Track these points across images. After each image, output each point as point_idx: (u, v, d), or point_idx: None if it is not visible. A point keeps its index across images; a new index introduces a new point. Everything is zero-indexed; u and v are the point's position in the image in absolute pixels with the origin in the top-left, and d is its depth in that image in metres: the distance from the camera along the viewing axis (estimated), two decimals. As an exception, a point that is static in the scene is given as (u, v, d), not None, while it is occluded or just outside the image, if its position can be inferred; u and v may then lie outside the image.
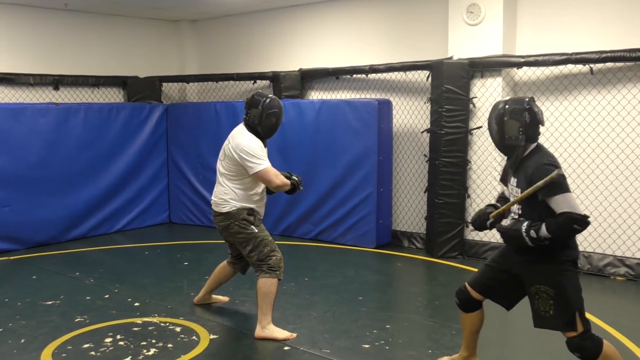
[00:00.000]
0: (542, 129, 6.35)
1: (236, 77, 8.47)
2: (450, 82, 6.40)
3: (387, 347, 4.08)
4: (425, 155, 6.88)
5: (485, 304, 3.56)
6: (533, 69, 6.17)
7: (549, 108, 6.15)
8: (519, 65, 6.12)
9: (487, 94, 6.36)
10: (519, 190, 3.22)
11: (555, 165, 3.13)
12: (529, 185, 3.12)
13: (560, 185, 3.05)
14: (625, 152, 5.76)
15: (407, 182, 7.27)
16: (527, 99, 3.25)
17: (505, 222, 3.24)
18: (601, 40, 5.78)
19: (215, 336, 4.30)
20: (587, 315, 4.62)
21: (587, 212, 5.95)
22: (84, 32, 8.35)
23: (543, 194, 3.07)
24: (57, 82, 8.01)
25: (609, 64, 5.74)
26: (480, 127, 6.41)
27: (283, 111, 4.48)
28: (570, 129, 6.04)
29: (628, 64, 5.65)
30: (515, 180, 3.29)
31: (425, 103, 6.93)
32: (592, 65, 5.80)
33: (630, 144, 5.73)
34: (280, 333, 4.28)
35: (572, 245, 3.20)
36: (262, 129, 4.37)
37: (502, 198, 3.57)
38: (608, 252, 5.88)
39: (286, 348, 4.08)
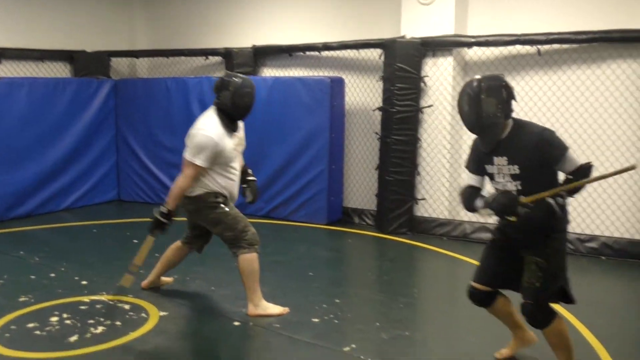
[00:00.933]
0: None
1: (188, 53, 8.33)
2: (402, 61, 6.45)
3: (336, 321, 4.14)
4: (376, 133, 6.95)
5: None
6: (483, 49, 6.27)
7: (497, 88, 6.28)
8: (470, 45, 6.22)
9: (439, 73, 6.45)
10: (517, 167, 3.11)
11: (548, 129, 3.18)
12: (534, 157, 3.06)
13: (562, 143, 3.09)
14: (569, 131, 5.94)
15: (358, 159, 7.33)
16: (501, 75, 3.20)
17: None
18: (549, 23, 5.92)
19: (164, 313, 4.28)
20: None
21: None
22: (28, 3, 8.02)
23: (555, 159, 3.07)
24: (-1, 55, 7.72)
25: (556, 46, 5.89)
26: (431, 105, 6.50)
27: (255, 90, 4.27)
28: (517, 109, 6.16)
29: (573, 45, 5.81)
30: (505, 158, 3.14)
31: (377, 81, 6.97)
32: (539, 47, 5.94)
33: (574, 124, 5.91)
34: (274, 308, 4.26)
35: (566, 210, 3.22)
36: (234, 111, 4.17)
37: (474, 188, 3.36)
38: (551, 228, 6.09)
39: (236, 323, 4.09)
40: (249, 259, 4.22)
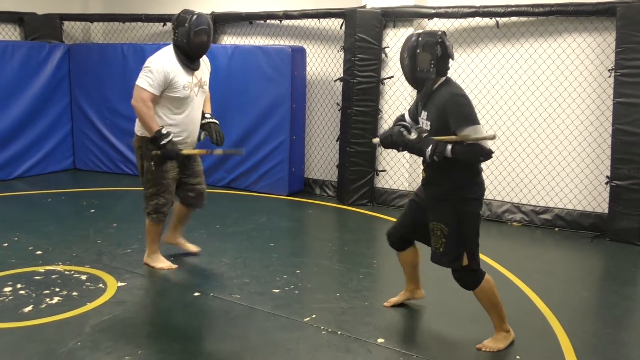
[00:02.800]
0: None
1: (144, 19, 8.10)
2: (363, 31, 6.42)
3: (296, 292, 4.17)
4: (337, 103, 6.93)
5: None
6: (443, 20, 6.29)
7: (457, 60, 6.32)
8: (430, 16, 6.22)
9: (399, 43, 6.43)
10: (429, 123, 3.26)
11: (465, 95, 3.20)
12: (441, 116, 3.16)
13: (470, 117, 3.13)
14: (526, 104, 6.04)
15: (319, 130, 7.31)
16: (440, 33, 3.25)
17: (413, 136, 3.28)
18: (508, -5, 5.97)
19: (123, 283, 4.23)
20: (486, 258, 4.90)
21: (489, 162, 6.25)
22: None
23: (455, 125, 3.11)
24: (-57, 15, 7.36)
25: (514, 18, 5.95)
26: (392, 76, 6.51)
27: (212, 29, 4.25)
28: (477, 81, 6.25)
29: (531, 18, 5.87)
30: (426, 113, 3.31)
31: (338, 51, 6.93)
32: (497, 19, 5.99)
33: (530, 97, 6.01)
34: (163, 263, 4.52)
35: (479, 180, 3.30)
36: (190, 48, 4.14)
37: (401, 120, 3.56)
38: (506, 200, 6.23)
39: (196, 294, 4.08)
40: (147, 225, 4.45)
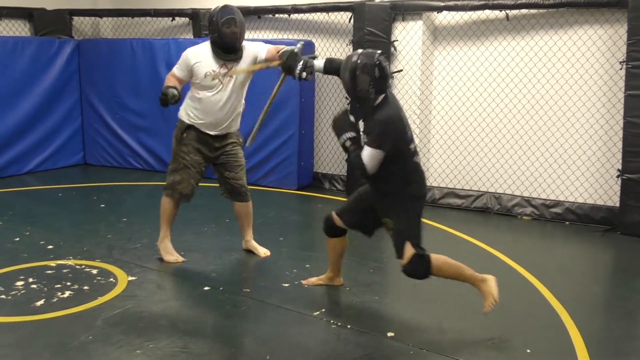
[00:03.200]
0: (460, 73, 6.52)
1: (153, 13, 8.11)
2: (372, 25, 6.40)
3: (306, 286, 4.17)
4: (346, 97, 6.91)
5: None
6: (453, 13, 6.25)
7: (466, 53, 6.29)
8: (440, 9, 6.19)
9: (408, 37, 6.41)
10: (365, 136, 3.47)
11: (393, 122, 3.39)
12: (371, 135, 3.41)
13: (375, 141, 3.35)
14: (536, 97, 6.01)
15: (328, 124, 7.30)
16: (377, 54, 3.40)
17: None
18: (518, -13, 5.91)
19: (133, 278, 4.25)
20: (496, 252, 4.89)
21: (498, 155, 6.27)
22: (-17, -42, 7.70)
23: (366, 139, 3.42)
24: (-47, 11, 7.41)
25: (524, 11, 5.91)
26: (401, 70, 6.49)
27: (240, 15, 4.27)
28: (486, 74, 6.22)
29: (541, 10, 5.83)
30: (365, 126, 3.51)
31: (347, 45, 6.91)
32: (507, 12, 5.95)
33: (541, 90, 5.97)
34: (168, 255, 4.57)
35: (414, 181, 3.54)
36: (222, 40, 4.20)
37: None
38: (516, 193, 6.20)
39: (206, 288, 4.10)
40: (162, 201, 4.59)
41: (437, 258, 3.55)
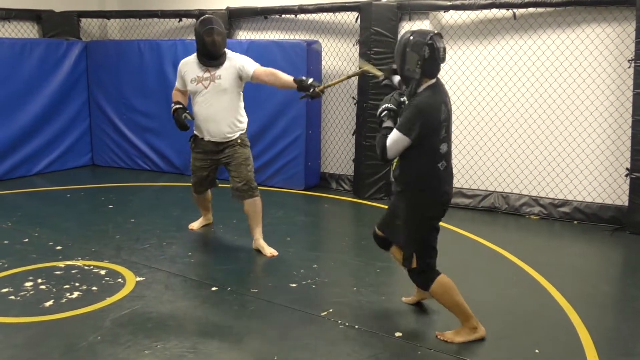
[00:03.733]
0: (467, 72, 6.49)
1: (160, 15, 8.13)
2: (378, 25, 6.40)
3: (313, 286, 4.17)
4: (353, 97, 6.91)
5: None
6: (459, 12, 6.24)
7: (473, 52, 6.28)
8: (446, 8, 6.17)
9: (415, 37, 6.40)
10: (399, 119, 3.27)
11: (424, 108, 3.15)
12: (402, 118, 3.22)
13: (403, 125, 3.16)
14: (544, 96, 5.98)
15: (335, 124, 7.31)
16: (432, 34, 3.19)
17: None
18: (525, -14, 5.90)
19: (141, 278, 4.26)
20: (504, 252, 4.87)
21: (506, 154, 6.24)
22: (-9, -40, 7.74)
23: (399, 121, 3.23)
24: (-38, 14, 7.45)
25: (531, 9, 5.89)
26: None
27: (220, 24, 4.62)
28: (493, 73, 6.20)
29: (549, 9, 5.81)
30: (403, 109, 3.31)
31: (354, 45, 6.91)
32: (515, 10, 5.93)
33: (548, 89, 5.95)
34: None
35: (432, 186, 3.26)
36: (203, 48, 4.59)
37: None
38: (524, 193, 6.18)
39: (214, 288, 4.10)
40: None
41: (441, 283, 3.35)
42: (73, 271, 4.39)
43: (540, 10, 5.86)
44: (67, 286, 4.09)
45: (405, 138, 3.16)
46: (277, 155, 7.11)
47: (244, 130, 4.83)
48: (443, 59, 3.23)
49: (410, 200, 3.32)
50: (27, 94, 7.52)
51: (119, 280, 4.23)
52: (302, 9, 7.08)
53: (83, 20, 8.56)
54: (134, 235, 5.26)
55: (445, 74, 6.45)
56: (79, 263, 4.55)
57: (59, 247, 4.91)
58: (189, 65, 4.71)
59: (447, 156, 3.26)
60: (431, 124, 3.16)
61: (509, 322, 3.65)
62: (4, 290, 4.02)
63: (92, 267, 4.48)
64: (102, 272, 4.38)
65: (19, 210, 6.07)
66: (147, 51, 7.75)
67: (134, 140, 8.10)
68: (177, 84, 4.84)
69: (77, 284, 4.13)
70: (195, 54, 4.71)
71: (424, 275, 3.37)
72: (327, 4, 6.91)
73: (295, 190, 7.00)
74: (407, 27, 6.44)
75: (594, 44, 5.68)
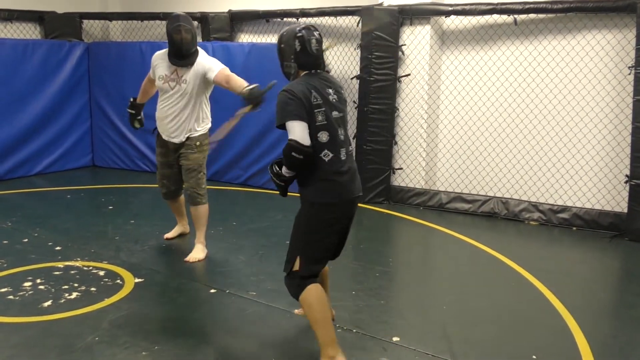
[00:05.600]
0: (468, 77, 6.51)
1: (162, 17, 8.12)
2: (380, 29, 6.41)
3: (312, 289, 4.17)
4: (354, 102, 6.92)
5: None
6: (460, 17, 6.26)
7: (474, 57, 6.29)
8: (447, 13, 6.19)
9: (416, 41, 6.42)
10: None
11: (287, 91, 2.99)
12: None
13: (282, 112, 2.98)
14: (544, 102, 5.99)
15: (336, 128, 7.30)
16: (302, 27, 3.12)
17: None
18: (526, -8, 5.92)
19: (140, 280, 4.27)
20: (503, 257, 4.87)
21: (506, 160, 6.25)
22: (-5, -39, 7.76)
23: (276, 120, 3.05)
24: (-35, 14, 7.47)
25: (532, 15, 5.90)
26: (409, 74, 6.49)
27: (189, 22, 4.56)
28: (494, 79, 6.21)
29: (549, 15, 5.82)
30: None
31: (355, 49, 6.92)
32: (516, 16, 5.95)
33: (549, 94, 5.96)
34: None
35: (317, 180, 3.05)
36: (171, 46, 4.52)
37: None
38: (524, 198, 6.18)
39: (212, 291, 4.11)
40: None
41: (309, 295, 3.03)
42: (72, 272, 4.39)
43: (541, 16, 5.87)
44: (65, 287, 4.10)
45: (296, 121, 2.94)
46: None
47: (205, 132, 4.73)
48: (317, 51, 3.12)
49: (301, 195, 3.14)
50: (29, 95, 7.53)
51: (118, 281, 4.24)
52: (304, 13, 7.09)
53: (85, 21, 8.57)
54: (133, 236, 5.27)
55: (446, 79, 6.47)
56: (78, 264, 4.56)
57: (58, 248, 4.91)
58: (160, 61, 4.65)
59: (332, 146, 3.02)
60: (299, 104, 2.96)
61: (507, 328, 3.65)
62: (3, 290, 4.02)
63: (91, 267, 4.49)
64: (101, 273, 4.39)
65: (19, 211, 6.08)
66: (149, 53, 7.70)
67: (135, 142, 8.11)
68: (150, 73, 4.78)
69: (75, 285, 4.14)
70: (167, 49, 4.64)
71: (301, 281, 3.07)
72: (328, 7, 6.92)
73: (295, 193, 6.97)
74: (408, 31, 6.45)
75: (594, 51, 5.69)
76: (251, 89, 4.22)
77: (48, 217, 5.86)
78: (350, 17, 6.89)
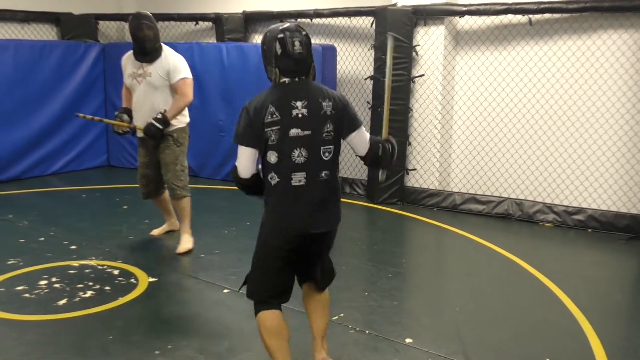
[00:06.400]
0: (482, 78, 6.47)
1: (177, 18, 8.20)
2: (393, 30, 6.39)
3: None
4: (368, 102, 6.91)
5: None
6: (475, 18, 6.23)
7: (488, 58, 6.25)
8: (462, 14, 6.16)
9: (430, 42, 6.40)
10: None
11: (245, 107, 2.73)
12: None
13: (235, 131, 2.74)
14: (559, 102, 5.95)
15: (349, 128, 7.29)
16: (283, 28, 2.73)
17: None
18: (542, -8, 5.88)
19: (154, 279, 4.29)
20: (517, 259, 4.84)
21: (520, 161, 6.21)
22: (12, -37, 7.85)
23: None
24: (-17, 16, 7.56)
25: (547, 15, 5.86)
26: (423, 75, 6.47)
27: (151, 20, 4.69)
28: (509, 79, 6.18)
29: (564, 15, 5.78)
30: None
31: (369, 50, 6.91)
32: (530, 16, 5.91)
33: (564, 95, 5.91)
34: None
35: (266, 203, 2.83)
36: (133, 42, 4.70)
37: None
38: (538, 200, 6.14)
39: (225, 291, 4.12)
40: None
41: (260, 324, 2.83)
42: (87, 270, 4.43)
43: (556, 16, 5.83)
44: (80, 285, 4.14)
45: (240, 147, 2.73)
46: (290, 158, 7.11)
47: (182, 127, 4.81)
48: (300, 55, 2.70)
49: (262, 224, 2.87)
50: (45, 95, 7.61)
51: (132, 280, 4.27)
52: (318, 14, 7.10)
53: (101, 22, 8.64)
54: (147, 236, 5.30)
55: (460, 80, 6.44)
56: (93, 262, 4.60)
57: (73, 247, 4.96)
58: (127, 61, 4.80)
59: (281, 169, 2.70)
60: (248, 123, 2.68)
61: (521, 330, 3.63)
62: (19, 288, 4.07)
63: (105, 266, 4.52)
64: (116, 272, 4.42)
65: (35, 210, 6.14)
66: (164, 54, 7.80)
67: (149, 142, 8.15)
68: (124, 79, 4.88)
69: (90, 283, 4.17)
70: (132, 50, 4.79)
71: (254, 305, 2.88)
72: (342, 8, 6.92)
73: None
74: (422, 32, 6.43)
75: (610, 51, 5.64)
76: (150, 124, 4.59)
77: (63, 216, 5.92)
78: (364, 17, 6.89)
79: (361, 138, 2.93)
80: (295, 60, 2.70)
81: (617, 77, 5.64)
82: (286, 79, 2.72)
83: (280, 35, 2.69)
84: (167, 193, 5.06)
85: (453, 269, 4.96)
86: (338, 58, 7.12)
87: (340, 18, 7.10)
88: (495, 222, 6.14)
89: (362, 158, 3.04)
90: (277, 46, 2.69)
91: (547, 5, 5.72)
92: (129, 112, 4.91)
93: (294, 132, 2.67)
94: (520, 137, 6.19)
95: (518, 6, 5.85)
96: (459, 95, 6.49)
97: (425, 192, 6.63)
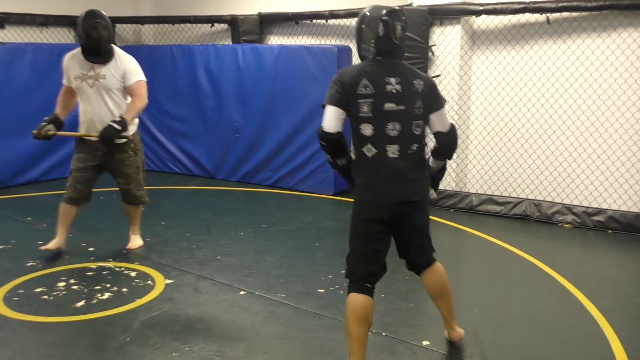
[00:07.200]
0: (499, 78, 6.41)
1: (193, 20, 8.24)
2: (409, 29, 6.34)
3: (341, 292, 4.15)
4: (383, 103, 6.88)
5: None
6: (492, 17, 6.17)
7: (505, 57, 6.20)
8: (478, 13, 6.11)
9: (446, 42, 6.36)
10: None
11: (338, 73, 2.95)
12: None
13: (327, 94, 2.92)
14: (578, 102, 5.87)
15: (365, 129, 7.28)
16: (388, 10, 2.90)
17: None
18: (559, -10, 5.81)
19: (171, 281, 4.31)
20: (536, 260, 4.79)
21: (538, 161, 6.14)
22: (31, -32, 7.94)
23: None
24: (2, 20, 7.64)
25: (565, 14, 5.79)
26: (439, 75, 6.43)
27: (105, 19, 4.52)
28: (526, 79, 6.12)
29: (583, 13, 5.70)
30: None
31: (384, 50, 6.88)
32: (548, 15, 5.84)
33: (583, 95, 5.84)
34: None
35: (357, 180, 2.97)
36: (85, 42, 4.49)
37: None
38: (557, 200, 6.07)
39: (242, 292, 4.12)
40: (60, 206, 4.80)
41: (347, 304, 2.89)
42: (104, 272, 4.46)
43: (574, 14, 5.76)
44: (98, 287, 4.16)
45: (327, 106, 2.88)
46: (306, 160, 7.12)
47: (135, 131, 4.73)
48: (401, 39, 2.91)
49: (354, 202, 3.02)
50: (63, 98, 7.67)
51: (149, 282, 4.28)
52: (333, 14, 7.09)
53: (118, 25, 8.71)
54: (163, 237, 5.32)
55: (477, 79, 6.39)
56: (110, 264, 4.62)
57: (91, 249, 4.99)
58: (73, 61, 4.54)
59: (377, 141, 2.85)
60: (339, 90, 2.86)
61: (540, 333, 3.58)
62: (38, 289, 4.11)
63: (122, 268, 4.55)
64: (133, 273, 4.44)
65: (54, 212, 6.15)
66: (180, 56, 7.85)
67: (166, 144, 8.20)
68: (64, 81, 4.64)
69: (108, 285, 4.20)
70: (79, 48, 4.55)
71: (348, 285, 2.98)
72: (358, 9, 6.89)
73: (325, 195, 6.99)
74: (438, 32, 6.39)
75: (630, 49, 5.56)
76: (110, 127, 4.41)
77: (81, 218, 5.91)
78: (379, 18, 6.86)
79: (442, 117, 3.11)
80: (394, 44, 2.89)
81: (638, 76, 5.55)
82: (380, 58, 2.89)
83: (385, 18, 2.86)
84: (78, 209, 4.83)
85: (470, 270, 4.92)
86: (354, 59, 7.10)
87: (356, 19, 7.07)
88: (513, 223, 6.08)
89: (436, 136, 3.16)
90: (381, 28, 2.86)
91: (565, 4, 5.65)
92: (57, 121, 4.67)
93: (389, 106, 2.85)
94: (538, 137, 6.12)
95: (535, 5, 5.79)
96: (476, 95, 6.44)
97: (442, 193, 6.58)
